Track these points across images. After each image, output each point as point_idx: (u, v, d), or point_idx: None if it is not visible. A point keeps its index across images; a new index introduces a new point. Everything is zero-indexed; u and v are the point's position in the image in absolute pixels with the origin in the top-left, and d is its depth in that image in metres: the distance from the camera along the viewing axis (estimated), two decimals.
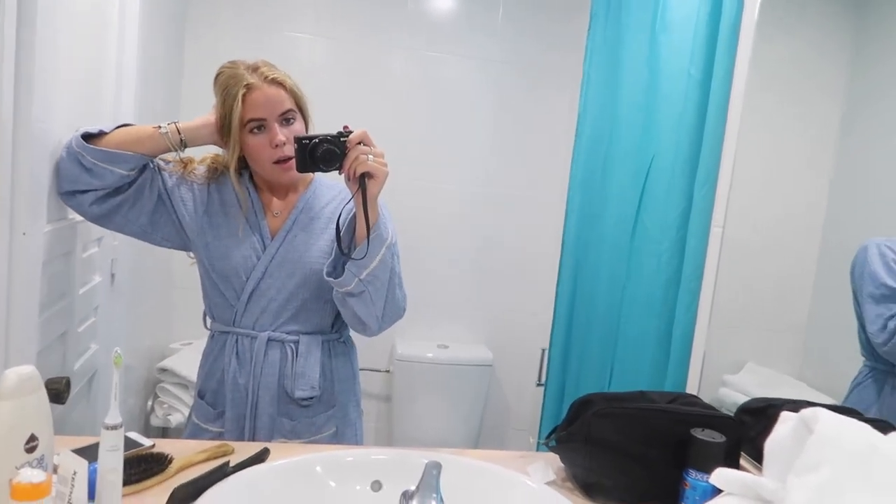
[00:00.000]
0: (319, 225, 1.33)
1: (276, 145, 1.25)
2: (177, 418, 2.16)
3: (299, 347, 1.31)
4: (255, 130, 1.25)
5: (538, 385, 2.59)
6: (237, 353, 1.31)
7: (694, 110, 1.58)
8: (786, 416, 0.90)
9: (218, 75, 1.27)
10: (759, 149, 1.50)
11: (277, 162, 1.27)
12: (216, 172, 1.36)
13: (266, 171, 1.30)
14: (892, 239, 1.15)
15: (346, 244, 1.22)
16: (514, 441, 2.79)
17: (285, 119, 1.26)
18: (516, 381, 2.77)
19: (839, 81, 1.35)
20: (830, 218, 1.32)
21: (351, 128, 1.18)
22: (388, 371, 2.64)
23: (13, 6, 1.04)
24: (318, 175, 1.38)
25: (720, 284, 1.50)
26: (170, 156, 1.33)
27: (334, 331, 1.37)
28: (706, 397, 1.44)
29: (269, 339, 1.30)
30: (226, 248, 1.30)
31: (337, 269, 1.23)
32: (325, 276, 1.22)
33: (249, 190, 1.34)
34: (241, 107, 1.23)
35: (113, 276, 1.75)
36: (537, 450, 1.27)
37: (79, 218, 1.48)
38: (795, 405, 0.89)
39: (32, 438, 0.75)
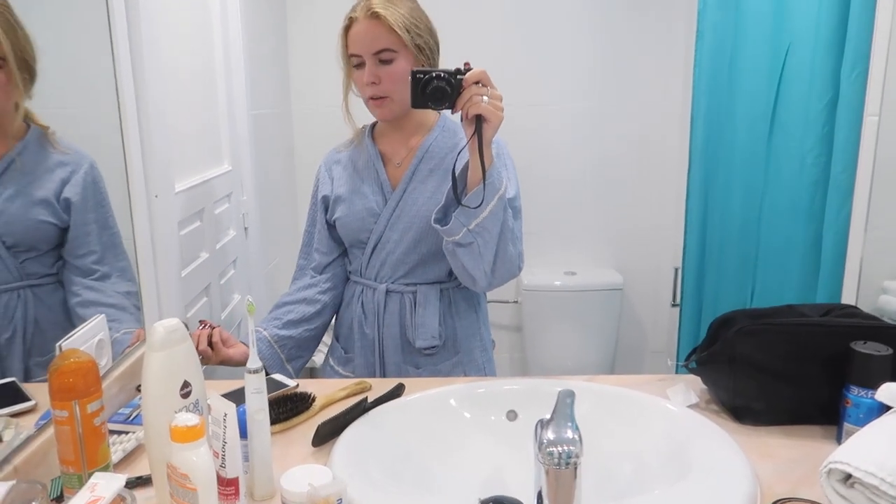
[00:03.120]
0: (438, 176, 1.28)
1: (366, 83, 1.22)
2: (321, 359, 2.28)
3: (417, 297, 1.31)
4: (358, 66, 1.23)
5: (673, 306, 2.49)
6: (362, 303, 1.34)
7: None
8: None
9: None
10: None
11: (372, 98, 1.24)
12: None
13: (367, 107, 1.29)
14: None
15: (460, 190, 1.16)
16: (652, 364, 2.72)
17: (380, 59, 1.21)
18: (649, 303, 2.67)
19: None
20: None
21: (472, 65, 1.10)
22: (516, 302, 2.63)
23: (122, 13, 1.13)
24: (444, 117, 1.33)
25: (875, 181, 1.33)
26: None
27: (452, 279, 1.33)
28: (864, 308, 1.31)
29: (388, 291, 1.31)
30: (350, 204, 1.31)
31: (448, 215, 1.17)
32: (432, 222, 1.18)
33: (368, 143, 1.33)
34: (343, 40, 1.22)
35: (246, 229, 1.85)
36: (676, 372, 1.22)
37: (208, 177, 1.56)
38: None
39: (186, 385, 0.81)
